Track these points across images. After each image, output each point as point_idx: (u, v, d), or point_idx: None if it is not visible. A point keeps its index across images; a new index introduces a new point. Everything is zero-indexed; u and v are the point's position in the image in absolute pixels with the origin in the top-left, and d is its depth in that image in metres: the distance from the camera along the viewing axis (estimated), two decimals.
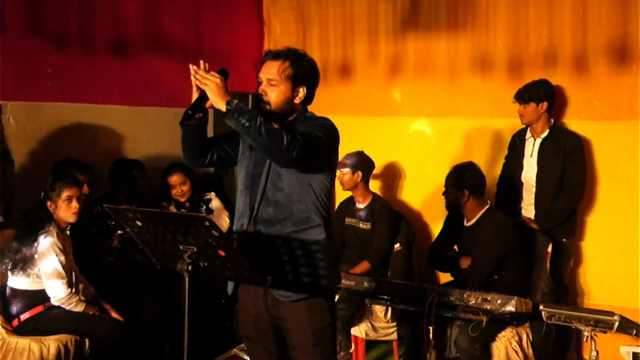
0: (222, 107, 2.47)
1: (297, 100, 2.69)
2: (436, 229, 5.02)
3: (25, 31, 4.32)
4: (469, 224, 4.13)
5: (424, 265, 4.87)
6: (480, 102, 4.84)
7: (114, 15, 4.85)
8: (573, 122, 4.48)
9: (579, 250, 4.49)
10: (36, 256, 3.62)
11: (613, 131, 4.35)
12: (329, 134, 2.65)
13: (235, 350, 4.23)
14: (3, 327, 3.65)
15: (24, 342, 3.58)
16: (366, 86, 5.38)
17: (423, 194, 5.12)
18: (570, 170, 4.26)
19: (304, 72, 2.69)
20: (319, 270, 2.65)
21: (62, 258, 3.64)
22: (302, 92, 2.69)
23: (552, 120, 4.34)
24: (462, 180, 4.04)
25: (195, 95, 2.60)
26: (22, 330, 3.64)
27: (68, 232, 3.89)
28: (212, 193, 4.81)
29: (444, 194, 4.16)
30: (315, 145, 2.58)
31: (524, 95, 4.28)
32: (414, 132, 5.17)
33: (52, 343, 3.58)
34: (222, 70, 2.57)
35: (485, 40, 4.81)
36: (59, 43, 4.51)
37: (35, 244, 3.64)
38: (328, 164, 2.73)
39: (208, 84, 2.48)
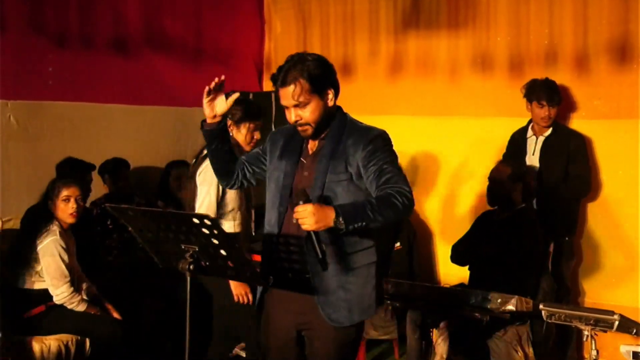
0: (332, 225, 2.34)
1: (330, 103, 2.58)
2: (437, 228, 5.04)
3: (26, 30, 4.32)
4: (501, 217, 4.11)
5: (425, 264, 4.88)
6: (481, 101, 4.84)
7: (114, 14, 4.85)
8: (573, 120, 4.48)
9: (579, 249, 4.49)
10: (38, 255, 3.63)
11: (614, 130, 4.35)
12: (393, 150, 2.64)
13: (235, 350, 4.23)
14: (4, 326, 3.65)
15: (24, 341, 3.58)
16: (367, 85, 5.38)
17: (424, 192, 5.12)
18: (576, 170, 4.25)
19: (319, 75, 2.52)
20: (367, 295, 2.60)
21: (66, 257, 3.64)
22: (331, 94, 2.57)
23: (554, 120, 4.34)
24: (520, 173, 4.08)
25: (206, 106, 2.66)
26: (24, 329, 3.65)
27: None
28: None
29: (495, 186, 4.08)
30: (404, 175, 2.55)
31: (555, 96, 4.22)
32: (415, 130, 5.17)
33: (52, 342, 3.59)
34: (303, 193, 2.39)
35: (486, 39, 4.81)
36: (59, 42, 4.51)
37: (37, 243, 3.64)
38: None
39: (306, 221, 2.32)
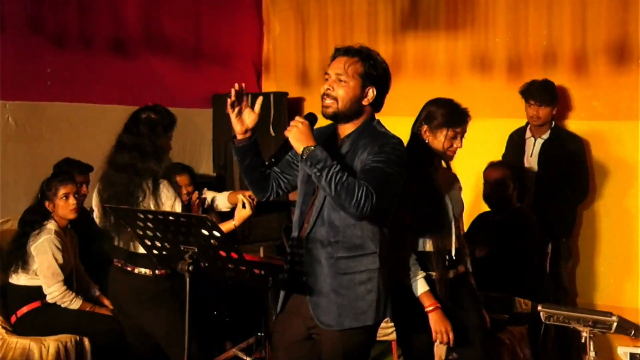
0: (300, 151, 2.42)
1: (365, 102, 2.53)
2: None
3: (24, 31, 4.32)
4: (497, 218, 4.09)
5: None
6: (480, 102, 4.82)
7: (113, 14, 4.85)
8: (572, 122, 4.49)
9: (577, 250, 4.49)
10: (33, 254, 3.63)
11: (612, 131, 4.36)
12: (400, 163, 2.47)
13: (235, 350, 4.23)
14: (3, 327, 3.65)
15: (23, 342, 3.58)
16: None
17: None
18: (573, 173, 4.26)
19: (375, 72, 2.53)
20: (364, 302, 2.51)
21: (59, 256, 3.64)
22: (371, 93, 2.53)
23: (552, 122, 4.35)
24: (515, 173, 4.09)
25: (231, 113, 2.58)
26: (21, 327, 3.65)
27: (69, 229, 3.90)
28: (205, 189, 4.73)
29: (490, 187, 4.05)
30: (389, 191, 2.43)
31: (545, 96, 4.23)
32: None
33: (51, 343, 3.58)
34: (310, 115, 2.53)
35: (485, 40, 4.82)
36: (58, 42, 4.51)
37: (30, 243, 3.65)
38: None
39: (291, 130, 2.44)
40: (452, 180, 3.19)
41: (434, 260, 2.90)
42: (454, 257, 2.98)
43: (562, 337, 4.30)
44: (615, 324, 3.11)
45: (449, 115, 2.99)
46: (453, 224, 3.00)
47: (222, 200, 4.36)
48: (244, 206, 3.31)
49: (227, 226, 3.35)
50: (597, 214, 4.43)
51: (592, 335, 3.17)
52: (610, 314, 3.14)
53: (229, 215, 4.51)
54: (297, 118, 2.48)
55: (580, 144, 4.31)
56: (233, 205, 4.35)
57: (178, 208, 3.26)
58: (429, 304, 2.83)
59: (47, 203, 3.72)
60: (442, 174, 3.12)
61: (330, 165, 2.35)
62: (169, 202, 3.24)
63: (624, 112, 4.28)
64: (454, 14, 4.96)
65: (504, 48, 4.73)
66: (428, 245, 2.93)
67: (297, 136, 2.42)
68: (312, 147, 2.39)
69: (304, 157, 2.39)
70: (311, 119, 2.51)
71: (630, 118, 4.24)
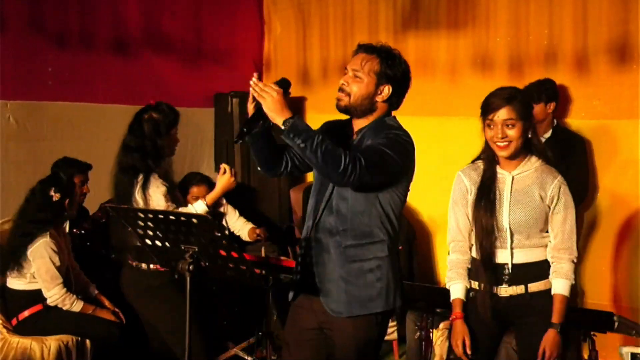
0: (279, 123, 2.32)
1: (378, 99, 2.55)
2: (436, 229, 5.04)
3: (25, 30, 4.32)
4: None
5: (424, 265, 4.88)
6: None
7: (114, 14, 4.85)
8: (573, 121, 4.49)
9: (579, 250, 4.48)
10: (29, 258, 3.62)
11: (613, 130, 4.35)
12: (400, 148, 2.47)
13: (235, 350, 4.23)
14: (4, 326, 3.65)
15: (25, 341, 3.58)
16: None
17: (423, 194, 5.10)
18: (574, 173, 4.25)
19: (392, 72, 2.56)
20: (373, 290, 2.53)
21: (57, 259, 3.63)
22: (386, 91, 2.55)
23: (554, 121, 4.35)
24: None
25: (251, 109, 2.43)
26: (23, 329, 3.65)
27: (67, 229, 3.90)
28: (224, 200, 4.65)
29: None
30: (381, 164, 2.40)
31: (533, 94, 4.24)
32: (414, 131, 5.14)
33: (52, 343, 3.59)
34: (282, 81, 2.44)
35: (486, 39, 4.82)
36: (59, 42, 4.51)
37: (27, 245, 3.63)
38: (398, 181, 2.54)
39: (265, 97, 2.32)
40: (531, 186, 2.73)
41: (479, 270, 2.72)
42: (509, 273, 2.69)
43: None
44: (616, 323, 3.12)
45: (483, 103, 2.77)
46: (508, 235, 2.68)
47: (239, 225, 4.43)
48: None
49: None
50: (598, 213, 4.43)
51: (593, 335, 3.17)
52: (612, 314, 3.14)
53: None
54: (271, 85, 2.36)
55: (582, 143, 4.31)
56: (252, 240, 4.37)
57: (162, 202, 3.32)
58: (452, 313, 2.76)
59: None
60: (524, 177, 2.77)
61: (314, 135, 2.30)
62: (156, 196, 3.33)
63: (625, 111, 4.27)
64: (454, 13, 4.96)
65: (505, 47, 4.73)
66: (475, 252, 2.77)
67: (273, 106, 2.31)
68: (292, 119, 2.31)
69: (284, 129, 2.31)
70: (285, 85, 2.42)
71: (631, 117, 4.24)
